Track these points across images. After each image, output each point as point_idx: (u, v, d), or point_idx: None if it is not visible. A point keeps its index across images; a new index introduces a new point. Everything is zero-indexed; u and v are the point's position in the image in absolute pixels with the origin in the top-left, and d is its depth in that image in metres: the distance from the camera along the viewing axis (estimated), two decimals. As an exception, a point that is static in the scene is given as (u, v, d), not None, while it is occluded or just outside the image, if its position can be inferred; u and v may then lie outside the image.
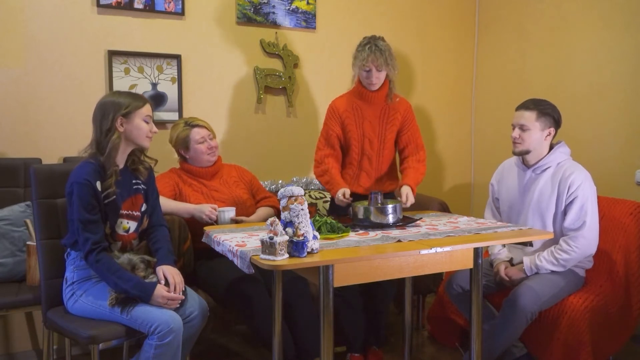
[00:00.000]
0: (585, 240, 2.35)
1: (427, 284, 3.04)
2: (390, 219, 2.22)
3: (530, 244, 2.50)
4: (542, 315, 2.35)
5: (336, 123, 2.63)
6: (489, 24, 3.88)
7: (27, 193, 2.64)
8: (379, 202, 2.28)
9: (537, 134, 2.42)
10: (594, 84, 3.15)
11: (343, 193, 2.48)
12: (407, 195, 2.47)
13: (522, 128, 2.42)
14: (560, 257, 2.36)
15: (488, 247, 2.59)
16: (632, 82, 2.95)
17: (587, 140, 3.16)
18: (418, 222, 2.33)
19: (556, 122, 2.45)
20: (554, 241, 2.43)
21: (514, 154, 2.51)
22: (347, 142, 2.67)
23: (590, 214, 2.36)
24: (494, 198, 2.71)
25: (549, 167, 2.46)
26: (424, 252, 1.88)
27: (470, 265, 2.07)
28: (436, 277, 3.02)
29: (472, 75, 4.02)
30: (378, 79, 2.57)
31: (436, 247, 1.89)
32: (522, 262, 2.48)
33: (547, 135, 2.44)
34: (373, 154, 2.68)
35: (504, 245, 2.59)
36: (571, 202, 2.37)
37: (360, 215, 2.24)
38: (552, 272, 2.40)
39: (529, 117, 2.42)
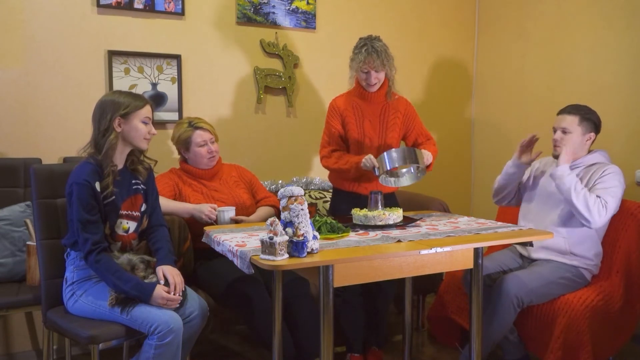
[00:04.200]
0: (601, 215, 2.33)
1: (427, 284, 3.04)
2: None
3: (530, 244, 2.50)
4: (541, 314, 2.36)
5: (337, 121, 2.63)
6: (489, 24, 3.88)
7: (27, 193, 2.64)
8: (379, 202, 2.29)
9: (578, 138, 2.47)
10: (594, 84, 3.15)
11: (370, 157, 2.42)
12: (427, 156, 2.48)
13: (564, 131, 2.47)
14: (585, 193, 2.33)
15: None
16: (632, 82, 2.95)
17: (587, 140, 3.15)
18: (418, 222, 2.33)
19: (597, 128, 2.51)
20: (585, 236, 2.45)
21: (554, 157, 2.53)
22: (346, 141, 2.67)
23: (614, 199, 2.35)
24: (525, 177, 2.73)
25: (582, 166, 2.50)
26: (424, 252, 1.88)
27: (470, 265, 2.07)
28: (436, 277, 3.02)
29: (472, 75, 4.02)
30: (377, 79, 2.56)
31: (436, 247, 1.90)
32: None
33: (588, 140, 2.49)
34: (374, 154, 2.66)
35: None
36: (599, 182, 2.39)
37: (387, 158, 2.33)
38: (547, 261, 2.43)
39: (571, 120, 2.47)
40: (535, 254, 2.54)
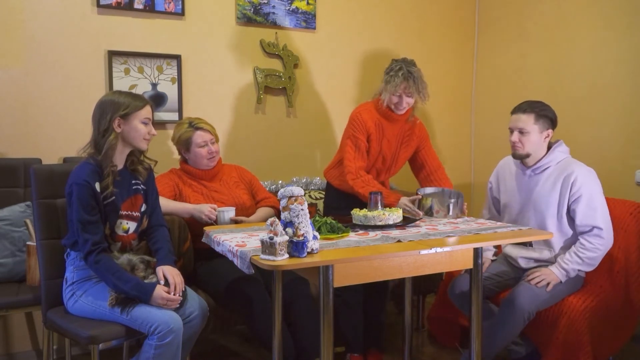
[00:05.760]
0: (604, 239, 2.35)
1: (427, 284, 3.04)
2: (451, 208, 2.33)
3: (530, 244, 2.50)
4: (541, 314, 2.36)
5: (364, 136, 2.62)
6: (489, 24, 3.88)
7: (27, 193, 2.64)
8: (379, 202, 2.29)
9: (536, 137, 2.41)
10: (594, 84, 3.15)
11: (405, 202, 2.44)
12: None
13: (521, 132, 2.41)
14: (584, 256, 2.35)
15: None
16: (632, 82, 2.95)
17: (587, 141, 3.15)
18: (418, 222, 2.33)
19: (553, 123, 2.45)
20: (571, 242, 2.44)
21: (514, 157, 2.50)
22: None
23: (601, 209, 2.36)
24: (492, 197, 2.72)
25: (548, 167, 2.46)
26: (424, 252, 1.88)
27: (470, 265, 2.07)
28: (436, 277, 3.02)
29: (472, 75, 4.02)
30: (408, 104, 2.58)
31: (436, 247, 1.90)
32: (518, 261, 2.50)
33: (546, 137, 2.44)
34: (383, 169, 2.73)
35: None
36: (576, 200, 2.37)
37: (429, 205, 2.38)
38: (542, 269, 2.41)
39: (526, 120, 2.40)
40: (526, 265, 2.52)
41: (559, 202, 2.41)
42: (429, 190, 2.52)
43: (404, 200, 2.44)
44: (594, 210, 2.35)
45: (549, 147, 2.48)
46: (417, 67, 2.57)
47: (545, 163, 2.46)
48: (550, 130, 2.44)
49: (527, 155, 2.45)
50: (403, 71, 2.51)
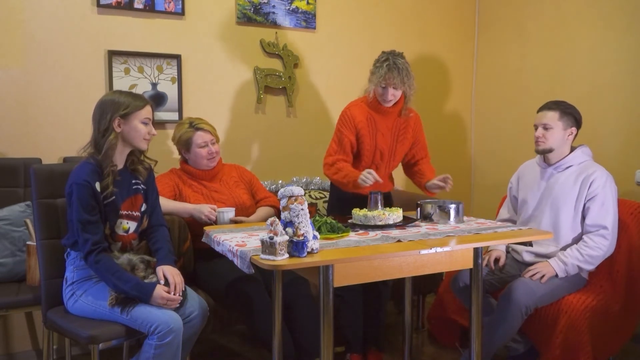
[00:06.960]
0: (608, 241, 2.38)
1: (427, 284, 3.04)
2: (453, 217, 2.31)
3: (530, 243, 2.51)
4: (542, 313, 2.36)
5: (351, 132, 2.62)
6: (489, 24, 3.88)
7: (27, 193, 2.64)
8: (379, 202, 2.30)
9: (559, 133, 2.46)
10: (594, 84, 3.15)
11: (369, 172, 2.40)
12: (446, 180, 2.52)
13: (545, 127, 2.47)
14: (585, 252, 2.37)
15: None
16: (632, 82, 2.95)
17: (587, 141, 3.13)
18: (418, 222, 2.33)
19: (577, 122, 2.50)
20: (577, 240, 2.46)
21: (537, 152, 2.55)
22: (359, 152, 2.68)
23: (612, 213, 2.40)
24: (511, 196, 2.75)
25: (570, 166, 2.50)
26: (424, 252, 1.88)
27: (470, 265, 2.07)
28: (436, 277, 3.02)
29: (472, 75, 4.02)
30: (394, 95, 2.57)
31: (436, 247, 1.90)
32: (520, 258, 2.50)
33: (569, 134, 2.49)
34: (382, 164, 2.73)
35: None
36: (591, 199, 2.40)
37: (429, 210, 2.34)
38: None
39: (551, 116, 2.47)
40: (530, 259, 2.53)
41: (576, 200, 2.43)
42: (429, 200, 2.52)
43: (368, 172, 2.41)
44: (606, 212, 2.39)
45: (572, 150, 2.52)
46: (404, 59, 2.56)
47: (567, 161, 2.50)
48: (574, 129, 2.49)
49: (550, 150, 2.49)
50: (388, 62, 2.51)
